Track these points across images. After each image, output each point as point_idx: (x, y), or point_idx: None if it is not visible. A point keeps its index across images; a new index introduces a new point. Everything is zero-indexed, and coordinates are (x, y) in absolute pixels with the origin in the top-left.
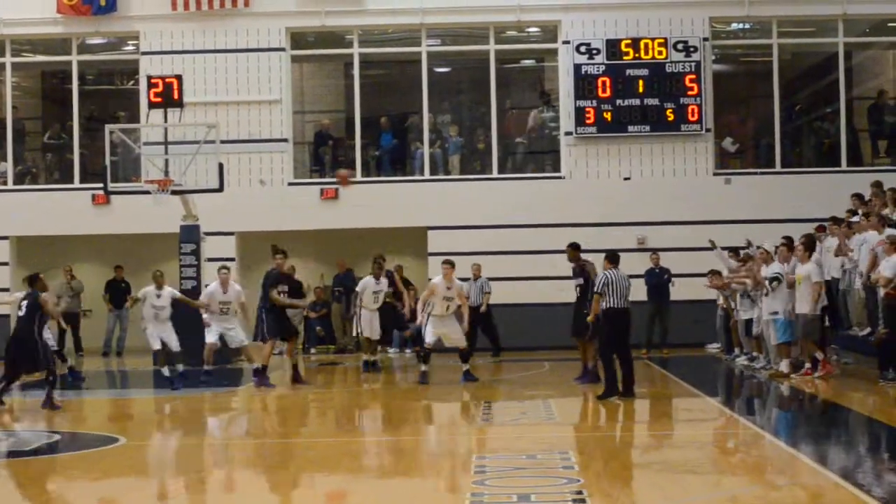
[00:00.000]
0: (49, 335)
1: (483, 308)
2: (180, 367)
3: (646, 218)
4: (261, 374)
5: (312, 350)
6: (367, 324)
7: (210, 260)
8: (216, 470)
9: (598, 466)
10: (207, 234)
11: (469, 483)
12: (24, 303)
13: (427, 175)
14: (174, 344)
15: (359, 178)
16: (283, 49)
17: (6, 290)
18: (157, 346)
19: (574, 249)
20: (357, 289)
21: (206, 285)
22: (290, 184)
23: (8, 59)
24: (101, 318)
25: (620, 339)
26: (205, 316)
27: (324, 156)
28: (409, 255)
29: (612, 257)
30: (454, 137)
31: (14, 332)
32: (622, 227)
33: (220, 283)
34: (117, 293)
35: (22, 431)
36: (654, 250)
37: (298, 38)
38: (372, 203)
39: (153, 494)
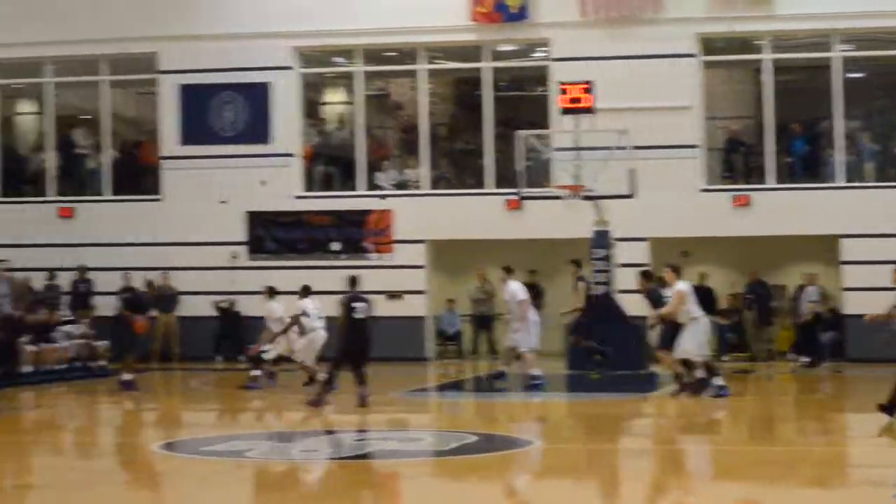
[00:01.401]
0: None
1: None
2: None
3: None
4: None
5: (725, 357)
6: None
7: (622, 265)
8: (630, 475)
9: None
10: (619, 239)
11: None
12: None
13: (840, 182)
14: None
15: (771, 184)
16: (693, 55)
17: (422, 292)
18: None
19: None
20: None
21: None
22: (701, 190)
23: (422, 67)
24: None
25: None
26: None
27: (735, 162)
28: (819, 263)
29: None
30: (868, 144)
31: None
32: None
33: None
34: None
35: (438, 432)
36: None
37: (709, 44)
38: (783, 210)
39: (568, 498)
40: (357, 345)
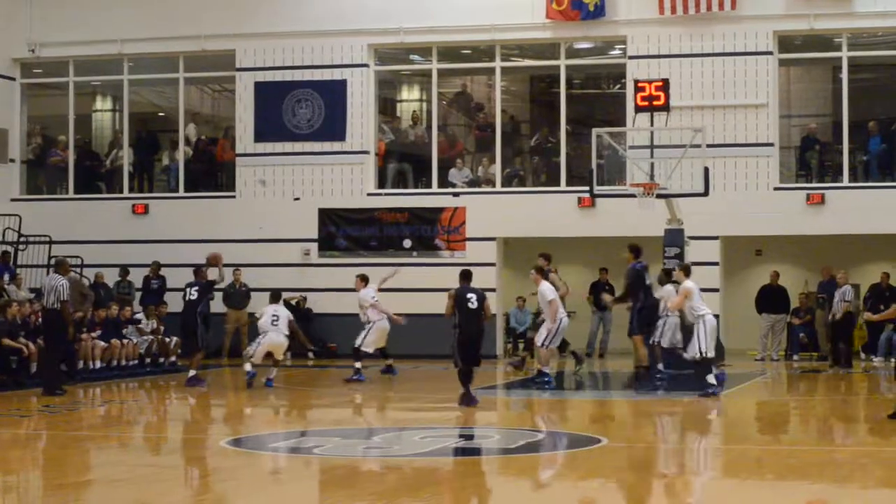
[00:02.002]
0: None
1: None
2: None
3: None
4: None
5: (795, 357)
6: None
7: (694, 264)
8: (690, 474)
9: None
10: (691, 237)
11: None
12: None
13: None
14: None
15: (846, 182)
16: (770, 53)
17: (492, 290)
18: None
19: None
20: None
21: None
22: (775, 188)
23: (498, 64)
24: (584, 320)
25: None
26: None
27: (810, 160)
28: (893, 262)
29: None
30: None
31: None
32: None
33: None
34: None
35: (506, 430)
36: None
37: (786, 42)
38: (858, 208)
39: (631, 496)
40: (472, 337)
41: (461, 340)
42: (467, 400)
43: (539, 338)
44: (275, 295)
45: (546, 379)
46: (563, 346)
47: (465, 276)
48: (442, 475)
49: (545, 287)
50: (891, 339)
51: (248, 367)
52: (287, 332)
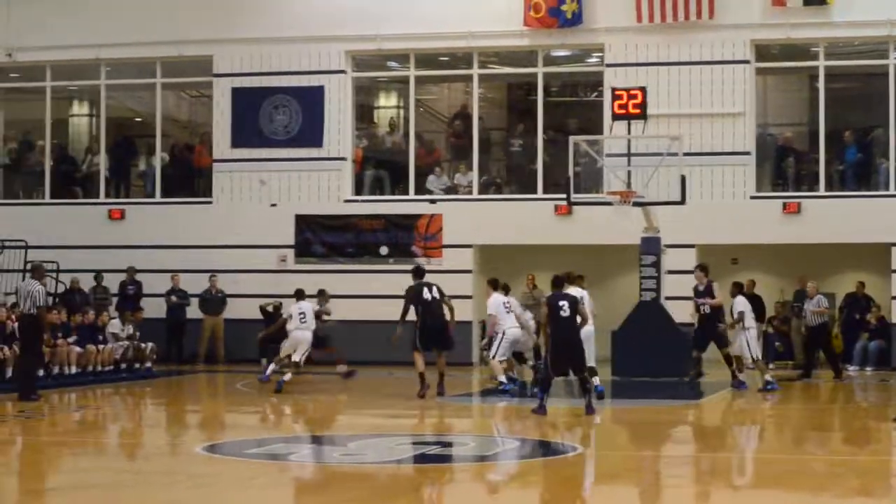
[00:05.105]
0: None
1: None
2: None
3: None
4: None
5: (771, 365)
6: None
7: (670, 272)
8: (671, 483)
9: None
10: (668, 246)
11: None
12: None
13: (892, 190)
14: None
15: (822, 191)
16: (747, 61)
17: (469, 297)
18: None
19: None
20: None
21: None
22: (751, 197)
23: (476, 71)
24: None
25: None
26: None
27: (786, 169)
28: (870, 272)
29: None
30: None
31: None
32: None
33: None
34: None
35: (481, 436)
36: None
37: (763, 51)
38: (834, 217)
39: None
40: (568, 347)
41: (554, 353)
42: (538, 409)
43: (491, 351)
44: (299, 293)
45: (504, 388)
46: (520, 358)
47: (557, 283)
48: (416, 482)
49: (489, 300)
50: (866, 347)
51: (287, 375)
52: (314, 328)
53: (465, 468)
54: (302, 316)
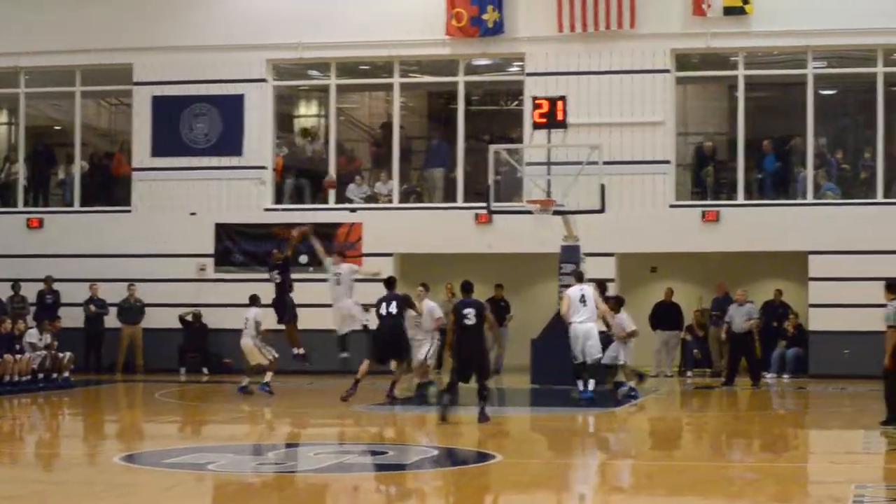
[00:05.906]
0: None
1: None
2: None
3: None
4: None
5: (689, 373)
6: None
7: (590, 280)
8: (587, 491)
9: None
10: (587, 254)
11: None
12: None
13: (810, 199)
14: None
15: (741, 200)
16: (667, 70)
17: None
18: None
19: None
20: None
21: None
22: (671, 206)
23: (397, 80)
24: None
25: None
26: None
27: (705, 178)
28: (788, 280)
29: None
30: (837, 160)
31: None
32: None
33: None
34: (497, 312)
35: (400, 445)
36: None
37: (683, 60)
38: (753, 226)
39: None
40: (472, 353)
41: (457, 360)
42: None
43: (420, 354)
44: (252, 298)
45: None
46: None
47: (466, 289)
48: (334, 491)
49: (426, 304)
50: (783, 355)
51: (268, 378)
52: (253, 333)
53: (384, 477)
54: (245, 322)
